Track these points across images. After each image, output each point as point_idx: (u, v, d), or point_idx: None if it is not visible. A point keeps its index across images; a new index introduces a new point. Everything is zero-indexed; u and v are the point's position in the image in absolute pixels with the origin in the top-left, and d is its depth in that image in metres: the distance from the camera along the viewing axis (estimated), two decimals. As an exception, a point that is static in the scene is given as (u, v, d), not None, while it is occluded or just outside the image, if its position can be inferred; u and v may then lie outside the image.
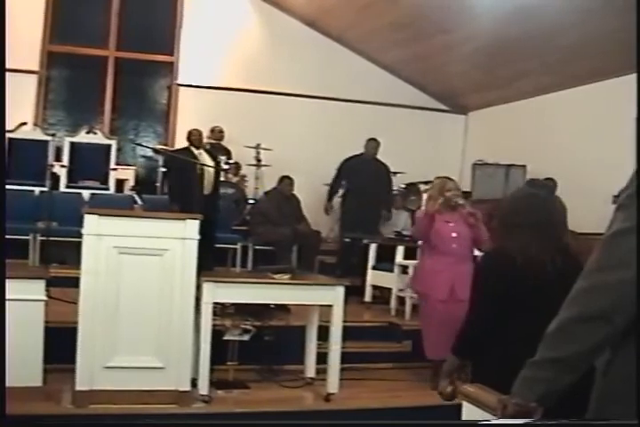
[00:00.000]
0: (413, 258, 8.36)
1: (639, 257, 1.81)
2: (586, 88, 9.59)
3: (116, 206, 8.26)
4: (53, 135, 10.37)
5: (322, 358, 6.20)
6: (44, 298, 5.45)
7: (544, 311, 2.32)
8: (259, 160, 10.76)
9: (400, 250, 8.25)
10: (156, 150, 10.64)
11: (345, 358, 6.08)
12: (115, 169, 10.58)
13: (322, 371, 6.17)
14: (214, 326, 5.75)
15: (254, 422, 5.09)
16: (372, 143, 10.26)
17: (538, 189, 3.60)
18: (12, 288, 5.32)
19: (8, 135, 10.09)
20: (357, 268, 9.09)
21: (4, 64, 3.01)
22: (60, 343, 5.33)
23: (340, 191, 10.40)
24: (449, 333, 6.07)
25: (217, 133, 11.03)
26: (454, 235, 6.42)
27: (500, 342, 3.40)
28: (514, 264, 3.40)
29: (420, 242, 6.94)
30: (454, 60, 10.89)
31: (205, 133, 10.88)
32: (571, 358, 1.92)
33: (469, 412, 2.42)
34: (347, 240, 9.84)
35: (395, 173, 10.84)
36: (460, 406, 2.49)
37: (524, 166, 9.90)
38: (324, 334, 6.21)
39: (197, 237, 5.51)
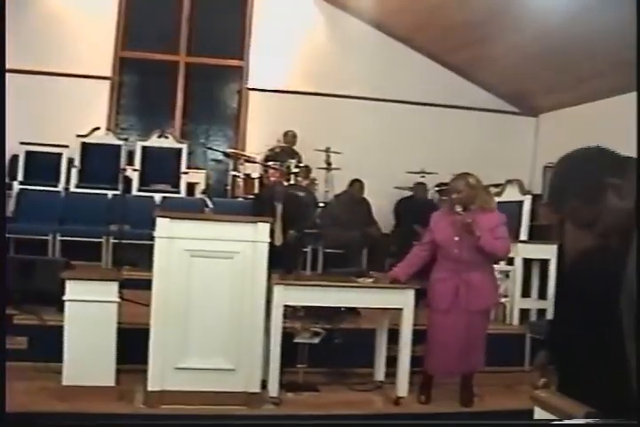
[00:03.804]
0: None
1: (639, 258, 1.78)
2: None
3: (187, 210, 8.33)
4: (126, 140, 10.54)
5: (391, 361, 6.18)
6: (117, 300, 5.52)
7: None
8: (328, 163, 10.76)
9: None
10: (226, 154, 10.71)
11: (415, 361, 6.04)
12: (186, 173, 10.66)
13: (391, 374, 6.15)
14: (284, 328, 5.77)
15: (323, 423, 5.10)
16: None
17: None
18: (86, 290, 5.45)
19: (82, 140, 10.28)
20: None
21: (4, 64, 3.07)
22: (133, 344, 5.42)
23: None
24: (448, 348, 5.93)
25: (290, 138, 11.08)
26: (457, 239, 5.91)
27: (587, 354, 3.34)
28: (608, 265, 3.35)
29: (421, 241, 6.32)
30: (525, 60, 10.77)
31: (278, 137, 10.98)
32: None
33: (541, 417, 2.40)
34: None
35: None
36: (531, 411, 2.47)
37: (596, 169, 9.78)
38: (393, 337, 6.19)
39: (268, 239, 5.54)
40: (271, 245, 5.66)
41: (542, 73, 10.94)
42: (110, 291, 5.52)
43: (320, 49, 11.91)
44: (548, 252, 7.96)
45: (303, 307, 6.43)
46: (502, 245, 5.98)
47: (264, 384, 5.64)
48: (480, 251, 5.86)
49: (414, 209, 9.75)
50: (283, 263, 7.71)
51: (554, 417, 2.28)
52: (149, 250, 5.55)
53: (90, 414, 5.10)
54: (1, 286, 4.63)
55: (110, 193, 9.62)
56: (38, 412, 5.02)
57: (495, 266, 7.97)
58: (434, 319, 6.01)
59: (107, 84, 11.40)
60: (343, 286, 5.94)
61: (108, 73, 11.40)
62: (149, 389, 5.36)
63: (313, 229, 9.81)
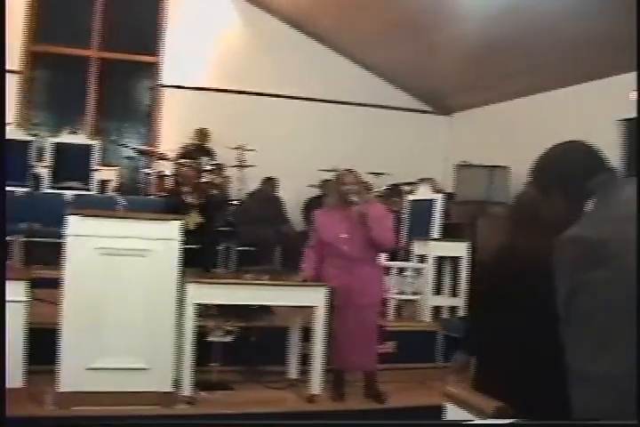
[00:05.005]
0: (395, 259, 8.38)
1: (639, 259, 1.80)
2: (571, 89, 9.61)
3: (99, 207, 8.21)
4: (36, 135, 10.35)
5: (305, 359, 6.20)
6: (25, 299, 5.42)
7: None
8: (242, 161, 10.75)
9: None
10: (139, 151, 10.62)
11: (328, 359, 6.06)
12: (98, 170, 10.52)
13: (305, 372, 6.17)
14: (198, 327, 5.74)
15: (238, 423, 5.08)
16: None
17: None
18: (-7, 289, 5.32)
19: (-11, 135, 10.06)
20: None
21: (4, 64, 3.01)
22: (44, 345, 5.31)
23: None
24: (348, 342, 6.00)
25: (203, 135, 11.03)
26: (345, 236, 5.97)
27: (501, 350, 3.38)
28: (519, 262, 3.37)
29: (310, 243, 6.31)
30: (439, 61, 10.89)
31: (191, 135, 10.92)
32: None
33: (452, 412, 2.43)
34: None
35: (378, 174, 10.86)
36: (443, 407, 2.49)
37: (507, 168, 9.92)
38: (307, 335, 6.21)
39: (181, 238, 5.51)
40: (186, 243, 5.65)
41: (457, 73, 11.08)
42: (18, 290, 5.41)
43: (236, 46, 11.88)
44: (460, 250, 8.08)
45: (216, 305, 6.40)
46: (391, 236, 6.14)
47: (177, 383, 5.61)
48: (369, 245, 5.98)
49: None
50: (201, 262, 7.73)
51: (466, 413, 2.31)
52: (61, 248, 5.46)
53: (88, 416, 5.08)
54: (1, 285, 4.53)
55: (20, 190, 9.45)
56: (36, 416, 5.01)
57: (408, 264, 8.13)
58: (333, 314, 6.01)
59: (17, 78, 11.18)
60: (256, 284, 5.94)
61: (19, 67, 11.17)
62: (60, 390, 5.28)
63: (226, 226, 9.80)
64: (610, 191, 2.10)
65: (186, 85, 11.68)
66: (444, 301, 8.12)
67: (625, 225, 1.91)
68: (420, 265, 8.11)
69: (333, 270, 6.03)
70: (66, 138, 10.58)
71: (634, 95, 8.38)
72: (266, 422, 4.79)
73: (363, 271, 5.99)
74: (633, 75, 8.25)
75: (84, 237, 5.33)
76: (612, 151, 8.69)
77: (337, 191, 6.11)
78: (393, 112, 12.40)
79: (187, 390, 5.62)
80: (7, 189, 9.36)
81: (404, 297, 7.95)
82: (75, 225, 5.33)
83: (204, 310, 6.35)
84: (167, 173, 10.24)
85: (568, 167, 2.24)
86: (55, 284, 5.67)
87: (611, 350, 1.79)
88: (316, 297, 5.91)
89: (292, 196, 10.64)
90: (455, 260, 8.14)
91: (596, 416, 1.80)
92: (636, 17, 4.74)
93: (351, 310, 5.94)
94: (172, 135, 11.36)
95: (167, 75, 11.79)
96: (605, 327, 1.81)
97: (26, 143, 10.15)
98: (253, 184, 10.43)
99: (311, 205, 10.69)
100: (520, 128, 10.52)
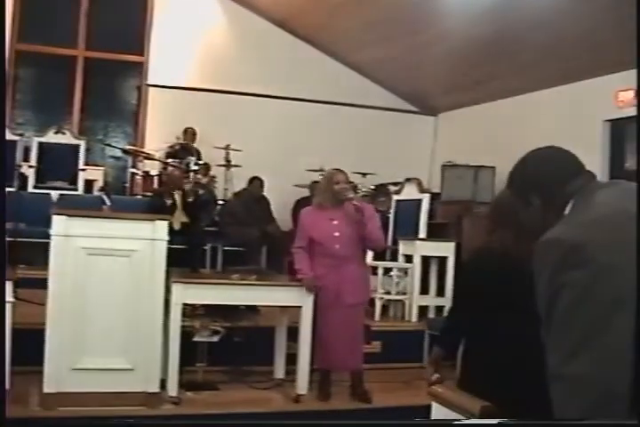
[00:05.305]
0: (383, 259, 8.39)
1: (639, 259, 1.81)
2: (556, 90, 9.62)
3: (85, 207, 8.19)
4: (21, 135, 10.27)
5: (291, 359, 6.20)
6: (11, 300, 5.40)
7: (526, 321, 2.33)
8: (228, 161, 10.72)
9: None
10: (125, 151, 10.59)
11: (314, 359, 6.06)
12: (83, 169, 10.49)
13: (291, 372, 6.17)
14: (184, 327, 5.74)
15: (224, 423, 5.07)
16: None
17: None
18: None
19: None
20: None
21: (4, 64, 2.99)
22: (28, 345, 5.28)
23: None
24: (335, 342, 5.99)
25: (190, 135, 10.98)
26: (337, 234, 5.96)
27: (485, 350, 3.39)
28: (499, 262, 3.39)
29: (299, 244, 6.20)
30: (425, 61, 10.89)
31: (177, 134, 10.89)
32: None
33: (438, 412, 2.43)
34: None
35: (364, 174, 10.85)
36: (429, 407, 2.50)
37: (493, 168, 9.93)
38: (293, 335, 6.21)
39: (166, 238, 5.50)
40: (172, 243, 5.65)
41: (442, 73, 11.09)
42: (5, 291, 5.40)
43: (222, 46, 11.84)
44: (446, 249, 8.09)
45: (202, 305, 6.39)
46: (382, 235, 6.24)
47: (163, 384, 5.60)
48: (359, 243, 6.03)
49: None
50: (187, 262, 7.72)
51: (452, 412, 2.32)
52: (46, 248, 5.44)
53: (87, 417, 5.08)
54: (1, 286, 4.51)
55: (5, 190, 9.40)
56: (36, 417, 5.01)
57: (395, 264, 8.14)
58: (318, 315, 6.01)
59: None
60: (243, 285, 5.94)
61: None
62: (45, 391, 5.26)
63: (212, 226, 9.79)
64: (587, 195, 2.12)
65: (172, 85, 11.64)
66: (431, 300, 8.13)
67: (603, 227, 1.93)
68: (406, 265, 8.12)
69: (322, 269, 6.00)
70: (51, 137, 10.55)
71: (623, 95, 8.42)
72: (252, 422, 4.79)
73: (351, 270, 5.98)
74: (618, 75, 8.28)
75: (70, 237, 5.32)
76: (596, 152, 8.73)
77: (329, 190, 6.07)
78: (378, 112, 12.39)
79: (172, 390, 5.62)
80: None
81: (390, 297, 7.95)
82: (60, 225, 5.31)
83: (191, 311, 6.35)
84: (153, 172, 10.22)
85: (544, 175, 2.26)
86: (39, 284, 5.66)
87: (590, 351, 1.80)
88: (302, 297, 5.92)
89: (278, 195, 10.60)
90: (441, 259, 8.15)
91: (574, 417, 1.81)
92: (636, 17, 4.73)
93: (338, 310, 5.93)
94: (158, 135, 11.31)
95: (153, 74, 11.75)
96: (586, 328, 1.82)
97: (11, 143, 10.08)
98: (239, 184, 10.40)
99: (302, 206, 10.65)
100: (505, 128, 10.54)
